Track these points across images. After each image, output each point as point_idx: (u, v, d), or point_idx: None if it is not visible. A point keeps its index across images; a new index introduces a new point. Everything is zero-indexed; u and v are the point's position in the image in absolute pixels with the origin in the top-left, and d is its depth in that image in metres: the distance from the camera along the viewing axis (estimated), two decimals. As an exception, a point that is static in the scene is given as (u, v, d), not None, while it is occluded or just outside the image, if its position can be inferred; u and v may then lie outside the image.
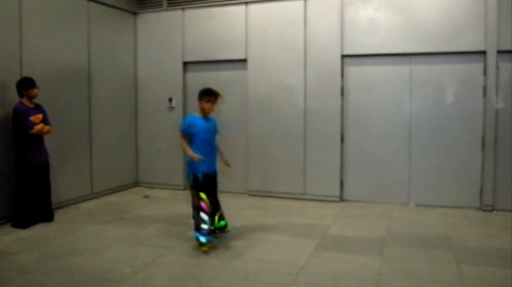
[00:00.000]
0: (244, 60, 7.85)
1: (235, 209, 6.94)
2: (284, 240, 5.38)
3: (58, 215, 6.35)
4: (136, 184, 8.63)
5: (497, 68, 6.62)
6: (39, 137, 5.91)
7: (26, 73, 6.03)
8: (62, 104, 6.78)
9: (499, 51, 6.60)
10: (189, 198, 5.27)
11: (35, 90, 5.85)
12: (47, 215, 6.07)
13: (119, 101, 8.22)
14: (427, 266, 4.49)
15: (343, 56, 7.30)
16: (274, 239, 5.40)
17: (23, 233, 5.57)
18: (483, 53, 6.70)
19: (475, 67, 6.80)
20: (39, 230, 5.69)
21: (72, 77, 7.08)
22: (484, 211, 6.71)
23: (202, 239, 4.90)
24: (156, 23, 8.44)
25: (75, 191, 7.17)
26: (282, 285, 4.04)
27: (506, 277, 4.20)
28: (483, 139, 6.76)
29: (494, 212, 6.67)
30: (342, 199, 7.40)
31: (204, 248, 4.88)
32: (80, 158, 7.30)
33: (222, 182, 8.06)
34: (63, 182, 6.84)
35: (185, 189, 8.29)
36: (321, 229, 5.80)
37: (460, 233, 5.62)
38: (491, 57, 6.63)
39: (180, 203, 7.30)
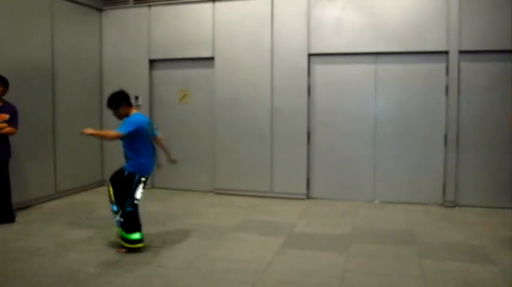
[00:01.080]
0: (211, 59, 7.82)
1: (202, 207, 6.94)
2: (250, 238, 5.38)
3: (20, 215, 6.18)
4: (102, 183, 8.48)
5: (459, 67, 6.81)
6: None
7: (-13, 70, 5.87)
8: (25, 101, 6.55)
9: (461, 51, 6.79)
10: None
11: None
12: (7, 216, 5.90)
13: (84, 99, 8.06)
14: (392, 262, 4.57)
15: (310, 55, 7.36)
16: (241, 237, 5.41)
17: (-17, 234, 5.42)
18: (445, 53, 6.87)
19: (437, 67, 6.97)
20: (-1, 232, 5.54)
21: (35, 74, 6.90)
22: (447, 207, 6.88)
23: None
24: (122, 20, 8.31)
25: (39, 190, 7.00)
26: (248, 283, 4.04)
27: (467, 271, 4.32)
28: (445, 137, 6.93)
29: (456, 208, 6.85)
30: (308, 197, 7.46)
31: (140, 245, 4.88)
32: (44, 157, 7.13)
33: (188, 181, 8.10)
34: (26, 181, 6.67)
35: (152, 188, 8.23)
36: (288, 227, 5.83)
37: (423, 229, 5.75)
38: (453, 57, 6.81)
39: (146, 202, 7.18)
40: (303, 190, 7.44)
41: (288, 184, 7.49)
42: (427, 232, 5.65)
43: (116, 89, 5.06)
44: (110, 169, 8.37)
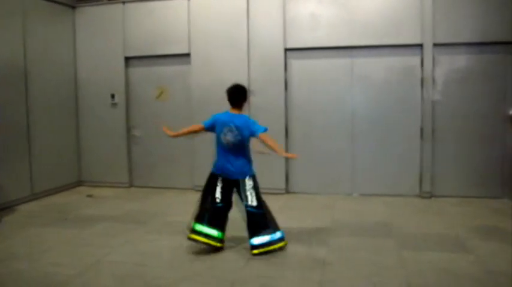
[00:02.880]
0: (187, 55, 7.76)
1: (182, 205, 6.89)
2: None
3: (-5, 218, 6.08)
4: (79, 183, 8.38)
5: (433, 60, 6.90)
6: None
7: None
8: (-3, 101, 6.47)
9: (435, 44, 6.88)
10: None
11: None
12: None
13: (59, 98, 7.93)
14: (371, 254, 4.62)
15: (286, 50, 7.37)
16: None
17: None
18: (420, 46, 6.95)
19: (413, 60, 7.05)
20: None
21: (7, 74, 6.77)
22: (423, 198, 6.99)
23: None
24: (95, 17, 8.19)
25: (14, 192, 6.86)
26: (228, 281, 4.04)
27: (445, 260, 4.40)
28: (421, 129, 7.02)
29: (433, 199, 6.96)
30: (287, 191, 7.49)
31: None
32: (18, 158, 6.99)
33: (167, 179, 8.06)
34: (0, 183, 6.53)
35: (130, 186, 8.18)
36: (268, 222, 5.83)
37: (401, 221, 5.82)
38: (428, 50, 6.90)
39: (125, 201, 7.17)
40: (282, 184, 7.46)
41: (267, 179, 7.41)
42: (405, 223, 5.72)
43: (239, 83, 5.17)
44: (87, 169, 8.41)
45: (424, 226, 5.58)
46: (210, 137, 7.57)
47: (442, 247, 4.79)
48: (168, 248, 4.92)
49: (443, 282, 3.93)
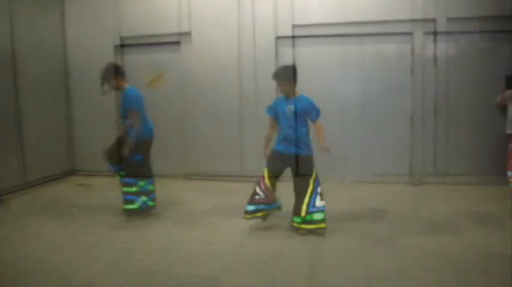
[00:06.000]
0: (178, 42, 7.74)
1: (173, 191, 6.88)
2: (223, 221, 5.38)
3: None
4: (72, 172, 8.32)
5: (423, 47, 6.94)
6: None
7: None
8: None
9: (425, 33, 6.93)
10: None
11: None
12: None
13: (49, 86, 7.83)
14: (364, 239, 4.65)
15: (277, 38, 7.34)
16: (213, 221, 5.41)
17: None
18: (410, 34, 6.99)
19: (403, 47, 7.07)
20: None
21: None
22: (415, 185, 7.03)
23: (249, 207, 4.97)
24: (86, 3, 8.06)
25: (5, 182, 6.78)
26: (224, 264, 4.06)
27: (438, 244, 4.46)
28: (411, 116, 7.11)
29: (425, 185, 7.00)
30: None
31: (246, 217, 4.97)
32: (9, 147, 6.92)
33: (159, 166, 7.98)
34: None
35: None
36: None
37: (394, 207, 5.86)
38: (418, 38, 6.95)
39: (118, 190, 7.12)
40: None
41: (259, 167, 7.45)
42: (397, 209, 5.76)
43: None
44: (81, 158, 8.31)
45: (416, 212, 5.62)
46: (204, 123, 7.60)
47: (432, 231, 4.84)
48: (161, 233, 4.94)
49: (436, 264, 3.97)
